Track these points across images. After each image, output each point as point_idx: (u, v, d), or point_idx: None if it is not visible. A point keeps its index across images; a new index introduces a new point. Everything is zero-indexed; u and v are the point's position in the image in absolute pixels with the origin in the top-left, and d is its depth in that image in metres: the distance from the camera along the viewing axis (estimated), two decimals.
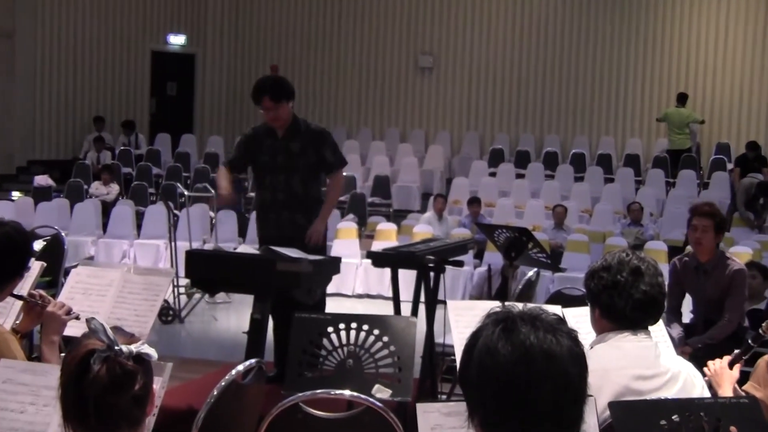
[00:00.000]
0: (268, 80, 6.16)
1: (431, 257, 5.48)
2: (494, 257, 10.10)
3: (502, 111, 18.25)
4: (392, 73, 18.82)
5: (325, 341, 4.01)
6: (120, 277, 4.06)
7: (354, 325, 4.01)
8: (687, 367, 3.05)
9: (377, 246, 10.75)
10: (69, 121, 17.91)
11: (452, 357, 4.74)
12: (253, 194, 9.49)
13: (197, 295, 10.39)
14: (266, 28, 19.63)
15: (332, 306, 6.83)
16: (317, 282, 5.42)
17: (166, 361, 2.67)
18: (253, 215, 8.95)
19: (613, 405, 2.62)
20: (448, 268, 5.64)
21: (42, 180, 15.61)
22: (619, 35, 17.42)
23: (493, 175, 16.22)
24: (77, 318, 3.33)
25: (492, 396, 1.81)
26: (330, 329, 4.02)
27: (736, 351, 3.38)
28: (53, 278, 6.49)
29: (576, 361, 1.83)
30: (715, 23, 16.93)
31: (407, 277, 5.87)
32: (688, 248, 6.47)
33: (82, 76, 17.99)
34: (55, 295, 3.74)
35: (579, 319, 3.44)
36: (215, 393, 3.36)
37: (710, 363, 3.37)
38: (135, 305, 3.97)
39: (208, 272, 5.39)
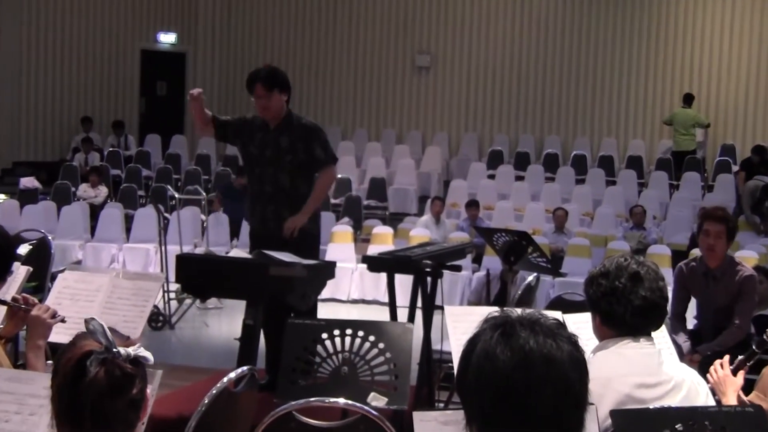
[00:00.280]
0: (263, 69, 6.19)
1: (428, 262, 5.44)
2: (493, 262, 10.10)
3: (501, 111, 18.18)
4: (389, 72, 18.72)
5: (319, 348, 4.00)
6: (108, 282, 4.10)
7: (349, 331, 4.01)
8: (691, 375, 3.05)
9: (373, 250, 10.81)
10: (56, 122, 17.88)
11: (450, 364, 4.82)
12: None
13: (188, 301, 10.42)
14: (258, 26, 19.55)
15: (327, 312, 6.99)
16: (311, 287, 5.47)
17: (156, 368, 2.64)
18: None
19: (614, 413, 2.62)
20: (446, 272, 5.61)
21: (28, 182, 15.60)
22: (621, 33, 17.36)
23: (492, 177, 16.15)
24: (63, 321, 3.35)
25: (491, 402, 1.80)
26: (324, 335, 4.01)
27: (740, 357, 3.41)
28: (39, 283, 6.53)
29: (576, 365, 1.83)
30: (720, 22, 16.90)
31: (404, 282, 5.81)
32: (693, 252, 6.44)
33: (70, 75, 17.91)
34: (41, 301, 3.70)
35: (580, 325, 3.44)
36: (206, 401, 3.40)
37: (713, 369, 3.37)
38: (124, 311, 4.00)
39: (199, 277, 5.46)
